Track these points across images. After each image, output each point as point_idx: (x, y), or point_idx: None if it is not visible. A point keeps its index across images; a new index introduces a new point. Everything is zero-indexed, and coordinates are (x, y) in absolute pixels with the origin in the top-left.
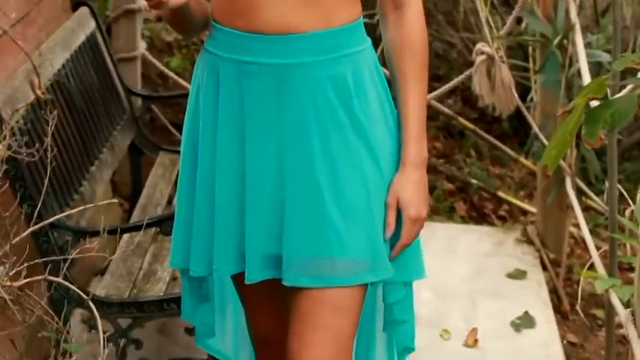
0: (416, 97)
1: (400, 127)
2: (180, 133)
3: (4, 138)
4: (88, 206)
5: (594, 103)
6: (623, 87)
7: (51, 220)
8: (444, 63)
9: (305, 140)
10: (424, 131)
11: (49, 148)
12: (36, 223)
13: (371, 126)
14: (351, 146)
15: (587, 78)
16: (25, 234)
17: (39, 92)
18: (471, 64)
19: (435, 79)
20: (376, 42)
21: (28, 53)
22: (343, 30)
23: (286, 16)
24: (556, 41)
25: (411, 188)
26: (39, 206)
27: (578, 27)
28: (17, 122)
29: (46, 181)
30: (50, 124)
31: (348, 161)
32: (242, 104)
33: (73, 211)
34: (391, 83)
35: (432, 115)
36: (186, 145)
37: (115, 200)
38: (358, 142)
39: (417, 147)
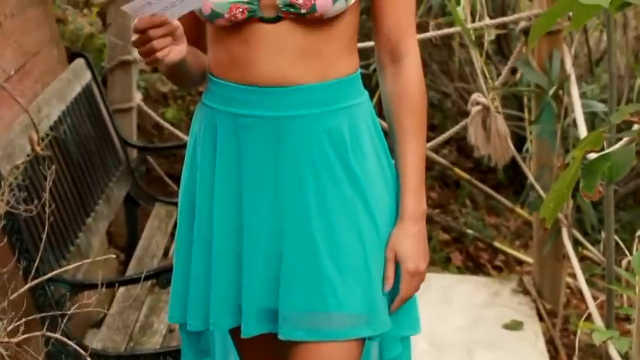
0: (414, 150)
1: (398, 179)
2: (176, 184)
3: (3, 194)
4: (85, 262)
5: (592, 156)
6: (620, 139)
7: (49, 275)
8: (439, 112)
9: (301, 193)
10: (423, 184)
11: (47, 204)
12: (34, 278)
13: (367, 179)
14: (347, 200)
15: (582, 128)
16: (22, 290)
17: (38, 149)
18: (465, 113)
19: (429, 129)
20: (372, 92)
21: (25, 105)
22: (340, 83)
23: (282, 68)
24: (551, 92)
25: (410, 242)
26: (37, 262)
27: (573, 78)
28: (16, 178)
29: (44, 237)
30: (48, 179)
31: (344, 215)
32: (239, 157)
33: (71, 266)
34: (389, 134)
35: (427, 165)
36: (183, 197)
37: (113, 255)
38: (354, 196)
39: (415, 200)
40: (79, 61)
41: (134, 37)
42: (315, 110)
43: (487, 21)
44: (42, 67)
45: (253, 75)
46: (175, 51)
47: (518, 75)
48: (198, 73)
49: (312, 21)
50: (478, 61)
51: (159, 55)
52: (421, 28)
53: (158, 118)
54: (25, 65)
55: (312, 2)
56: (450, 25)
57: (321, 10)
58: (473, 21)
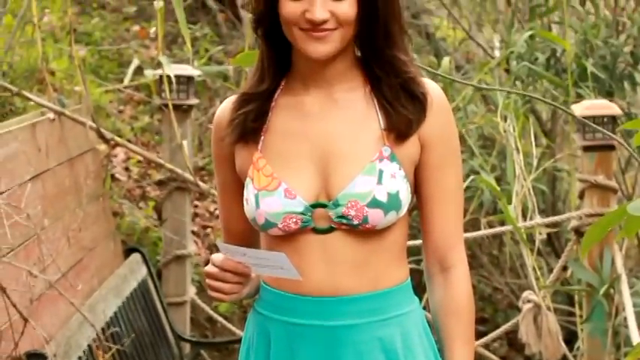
0: (462, 359)
1: None
2: None
3: None
4: None
5: None
6: None
7: None
8: (489, 305)
9: None
10: None
11: None
12: None
13: None
14: None
15: (633, 327)
16: None
17: None
18: (515, 306)
19: (479, 322)
20: (423, 288)
21: (82, 300)
22: (391, 292)
23: (334, 278)
24: (602, 291)
25: None
26: None
27: (624, 277)
28: None
29: None
30: None
31: None
32: None
33: None
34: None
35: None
36: None
37: None
38: None
39: None
40: (135, 257)
41: (212, 268)
42: (366, 320)
43: (538, 219)
44: (98, 261)
45: (306, 285)
46: (238, 294)
47: (569, 271)
48: (252, 292)
49: (364, 232)
50: (529, 259)
51: (224, 297)
52: (473, 225)
53: (211, 312)
54: (82, 260)
55: (365, 214)
56: (502, 222)
57: (372, 222)
58: (524, 218)
